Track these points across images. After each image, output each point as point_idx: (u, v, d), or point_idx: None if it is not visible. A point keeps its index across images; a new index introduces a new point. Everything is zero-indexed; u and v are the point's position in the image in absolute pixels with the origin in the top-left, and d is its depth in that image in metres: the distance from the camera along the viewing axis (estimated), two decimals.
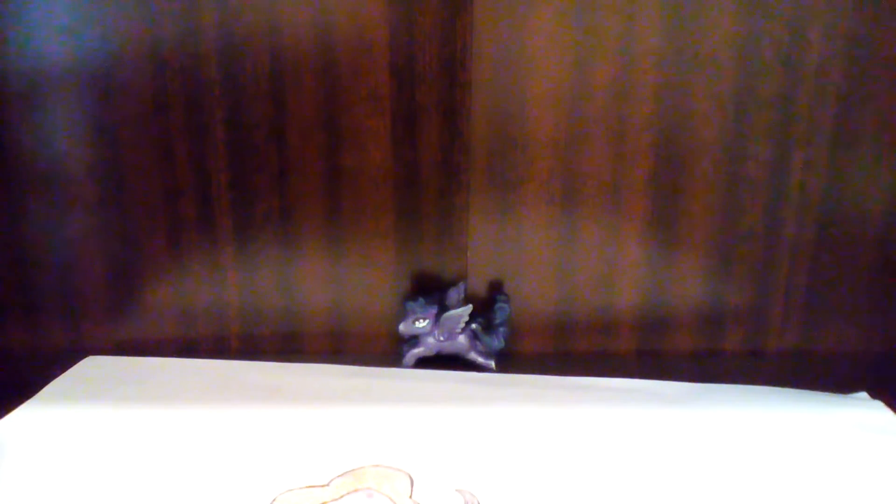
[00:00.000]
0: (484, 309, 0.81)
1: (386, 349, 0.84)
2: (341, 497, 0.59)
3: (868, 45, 0.75)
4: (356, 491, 0.59)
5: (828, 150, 0.78)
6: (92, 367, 0.78)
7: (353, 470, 0.62)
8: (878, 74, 0.76)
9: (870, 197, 0.79)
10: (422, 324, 0.78)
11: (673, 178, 0.79)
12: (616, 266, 0.81)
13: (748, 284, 0.82)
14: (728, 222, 0.80)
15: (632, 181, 0.79)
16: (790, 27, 0.75)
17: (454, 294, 0.79)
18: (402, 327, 0.78)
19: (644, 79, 0.77)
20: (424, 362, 0.80)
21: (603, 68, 0.76)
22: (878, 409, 0.70)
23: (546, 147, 0.78)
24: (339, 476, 0.61)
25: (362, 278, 0.82)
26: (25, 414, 0.68)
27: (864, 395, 0.73)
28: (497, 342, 0.79)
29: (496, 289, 0.82)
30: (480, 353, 0.79)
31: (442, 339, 0.78)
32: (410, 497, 0.59)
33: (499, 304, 0.80)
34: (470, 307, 0.77)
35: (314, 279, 0.82)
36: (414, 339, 0.79)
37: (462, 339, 0.79)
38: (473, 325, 0.79)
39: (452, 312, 0.77)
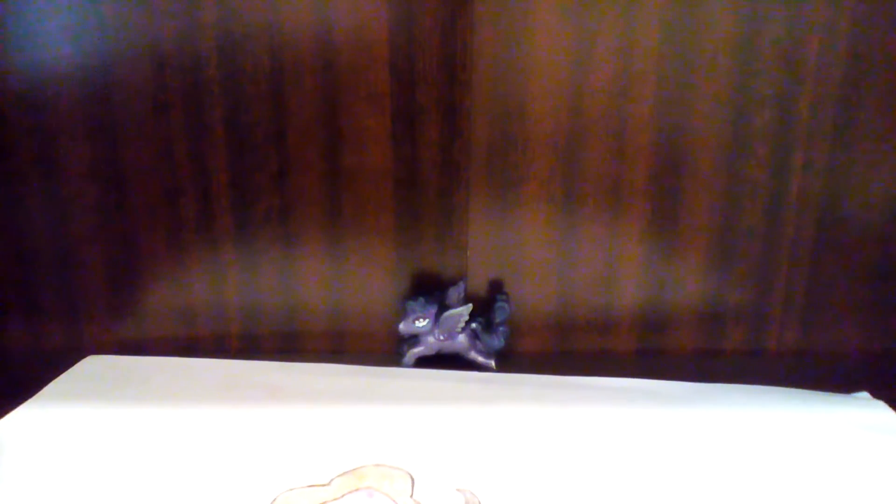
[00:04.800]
0: (484, 308, 0.81)
1: (386, 349, 0.84)
2: (342, 496, 0.59)
3: (868, 45, 0.75)
4: (357, 490, 0.59)
5: (828, 150, 0.78)
6: (92, 367, 0.78)
7: (353, 469, 0.62)
8: (877, 74, 0.76)
9: (869, 197, 0.80)
10: (422, 323, 0.78)
11: (673, 177, 0.79)
12: (616, 265, 0.82)
13: (748, 284, 0.82)
14: (728, 222, 0.80)
15: (632, 181, 0.79)
16: (790, 27, 0.75)
17: (454, 293, 0.79)
18: (402, 326, 0.78)
19: (644, 78, 0.77)
20: (424, 361, 0.80)
21: (603, 68, 0.76)
22: (880, 409, 0.70)
23: (546, 146, 0.78)
24: (339, 475, 0.61)
25: (362, 278, 0.82)
26: (25, 413, 0.68)
27: (865, 394, 0.74)
28: (497, 341, 0.79)
29: (496, 288, 0.82)
30: (480, 353, 0.79)
31: (442, 338, 0.78)
32: (411, 496, 0.59)
33: (499, 304, 0.80)
34: (470, 306, 0.77)
35: (314, 279, 0.82)
36: (414, 339, 0.79)
37: (462, 338, 0.79)
38: (473, 325, 0.79)
39: (452, 312, 0.77)
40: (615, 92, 0.77)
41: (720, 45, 0.76)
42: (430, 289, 0.81)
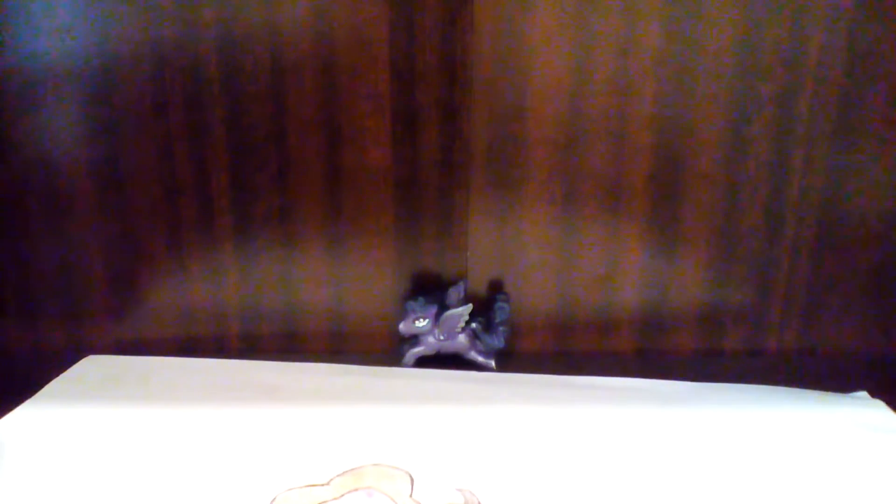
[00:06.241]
0: (484, 308, 0.81)
1: (386, 349, 0.84)
2: (341, 496, 0.59)
3: (866, 45, 0.75)
4: (356, 490, 0.59)
5: (828, 149, 0.78)
6: (91, 367, 0.78)
7: (353, 469, 0.62)
8: (878, 74, 0.76)
9: (869, 196, 0.79)
10: (422, 323, 0.78)
11: (673, 177, 0.79)
12: (616, 265, 0.81)
13: (748, 284, 0.82)
14: (728, 222, 0.80)
15: (632, 181, 0.79)
16: (790, 27, 0.75)
17: (454, 293, 0.79)
18: (402, 327, 0.78)
19: (644, 78, 0.76)
20: (424, 362, 0.80)
21: (603, 68, 0.76)
22: (879, 409, 0.70)
23: (546, 146, 0.78)
24: (339, 475, 0.61)
25: (362, 278, 0.82)
26: (25, 413, 0.68)
27: (864, 394, 0.73)
28: (497, 341, 0.79)
29: (496, 288, 0.82)
30: (480, 353, 0.79)
31: (442, 338, 0.78)
32: (410, 496, 0.59)
33: (499, 304, 0.80)
34: (470, 306, 0.77)
35: (314, 278, 0.82)
36: (414, 339, 0.79)
37: (462, 338, 0.79)
38: (473, 325, 0.79)
39: (452, 312, 0.77)
40: (615, 91, 0.77)
41: (720, 44, 0.76)
42: (430, 289, 0.81)
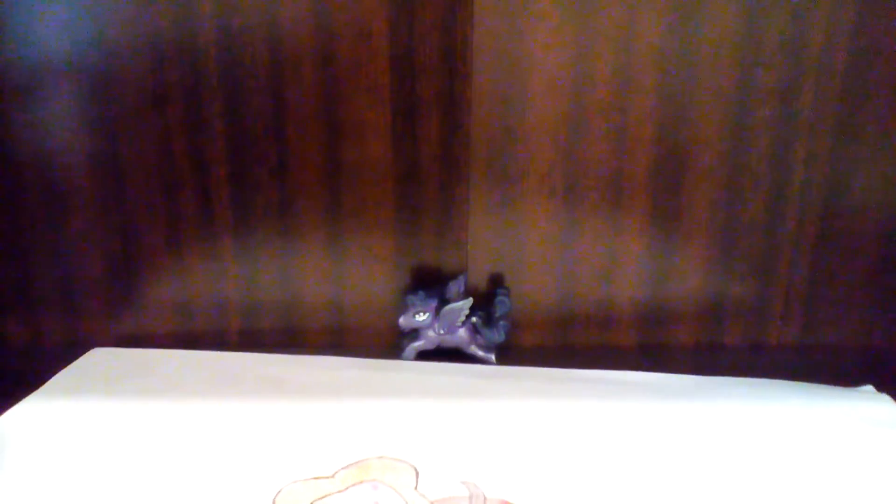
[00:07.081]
0: (484, 302, 0.80)
1: (386, 343, 0.83)
2: (346, 489, 0.59)
3: (870, 37, 0.75)
4: (361, 483, 0.59)
5: (829, 143, 0.78)
6: (97, 359, 0.78)
7: (358, 462, 0.61)
8: (880, 67, 0.76)
9: (871, 190, 0.79)
10: (422, 317, 0.77)
11: (674, 171, 0.79)
12: (617, 259, 0.81)
13: (749, 278, 0.82)
14: (729, 215, 0.80)
15: (633, 174, 0.79)
16: (792, 20, 0.75)
17: (454, 287, 0.79)
18: (402, 321, 0.78)
19: (645, 71, 0.76)
20: (425, 356, 0.80)
21: (604, 60, 0.76)
22: (885, 403, 0.70)
23: (547, 140, 0.78)
24: (344, 468, 0.61)
25: (362, 272, 0.82)
26: (30, 406, 0.68)
27: (870, 388, 0.73)
28: (497, 335, 0.79)
29: (496, 282, 0.82)
30: (481, 347, 0.79)
31: (442, 332, 0.78)
32: (416, 489, 0.59)
33: (499, 298, 0.79)
34: (470, 300, 0.77)
35: (314, 273, 0.82)
36: (414, 333, 0.79)
37: (462, 332, 0.78)
38: (474, 319, 0.78)
39: (453, 305, 0.77)
40: (616, 85, 0.77)
41: (722, 36, 0.75)
42: (430, 283, 0.81)
